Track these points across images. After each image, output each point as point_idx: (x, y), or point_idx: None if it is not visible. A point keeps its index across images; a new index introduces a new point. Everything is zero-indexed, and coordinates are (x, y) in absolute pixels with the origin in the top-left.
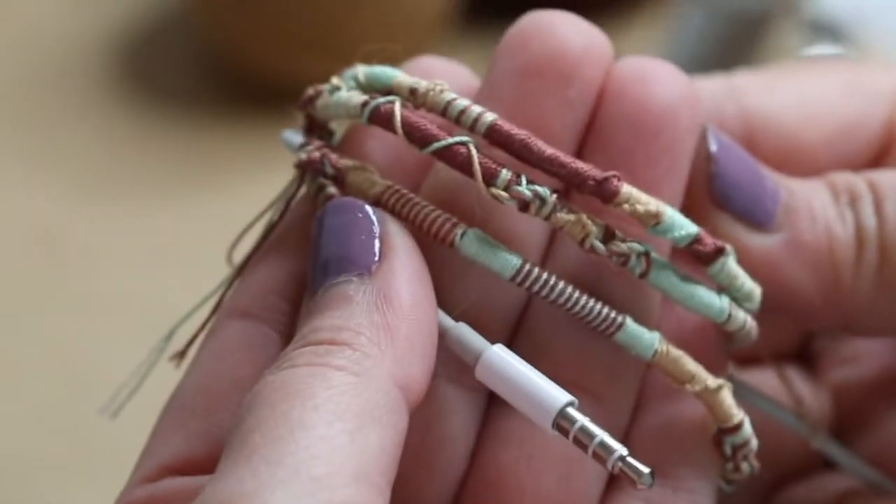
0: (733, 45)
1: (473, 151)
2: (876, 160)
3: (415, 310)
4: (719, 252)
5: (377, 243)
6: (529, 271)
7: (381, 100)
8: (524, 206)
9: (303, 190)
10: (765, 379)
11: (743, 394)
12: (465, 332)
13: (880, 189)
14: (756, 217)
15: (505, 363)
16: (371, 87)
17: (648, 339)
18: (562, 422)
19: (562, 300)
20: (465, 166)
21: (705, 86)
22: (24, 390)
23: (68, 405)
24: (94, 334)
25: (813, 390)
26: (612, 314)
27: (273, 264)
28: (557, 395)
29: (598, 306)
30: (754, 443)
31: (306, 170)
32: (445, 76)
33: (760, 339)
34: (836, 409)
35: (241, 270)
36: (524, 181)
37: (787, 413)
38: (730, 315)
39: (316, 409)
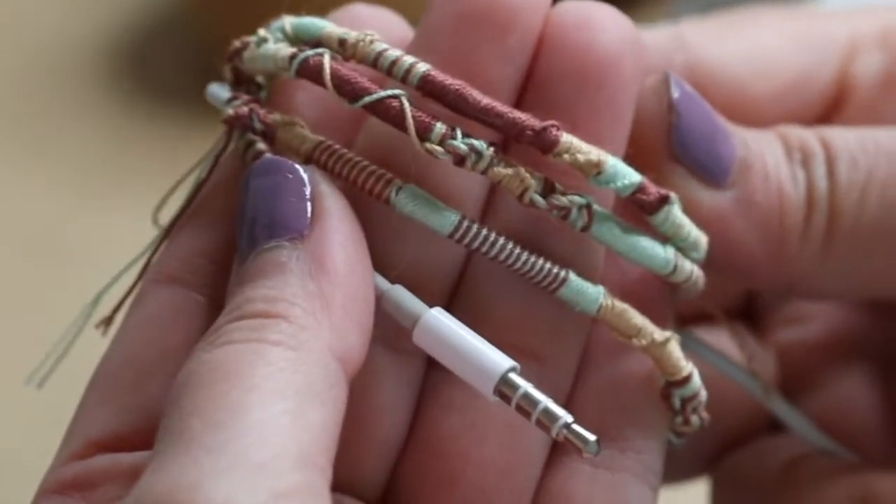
0: None
1: (406, 105)
2: (826, 114)
3: (350, 276)
4: (663, 201)
5: (308, 206)
6: (468, 227)
7: (310, 52)
8: (460, 160)
9: (231, 147)
10: (713, 338)
11: (698, 351)
12: (402, 295)
13: (833, 149)
14: (711, 173)
15: (444, 327)
16: (299, 39)
17: (593, 294)
18: (503, 388)
19: (502, 256)
20: (397, 120)
21: (652, 36)
22: (24, 390)
23: (68, 405)
24: (95, 334)
25: (758, 350)
26: (555, 269)
27: (201, 226)
28: (499, 361)
29: (541, 262)
30: (704, 394)
31: (234, 126)
32: (378, 24)
33: (706, 296)
34: (781, 370)
35: (168, 232)
36: (459, 134)
37: (742, 372)
38: (675, 266)
39: (255, 390)
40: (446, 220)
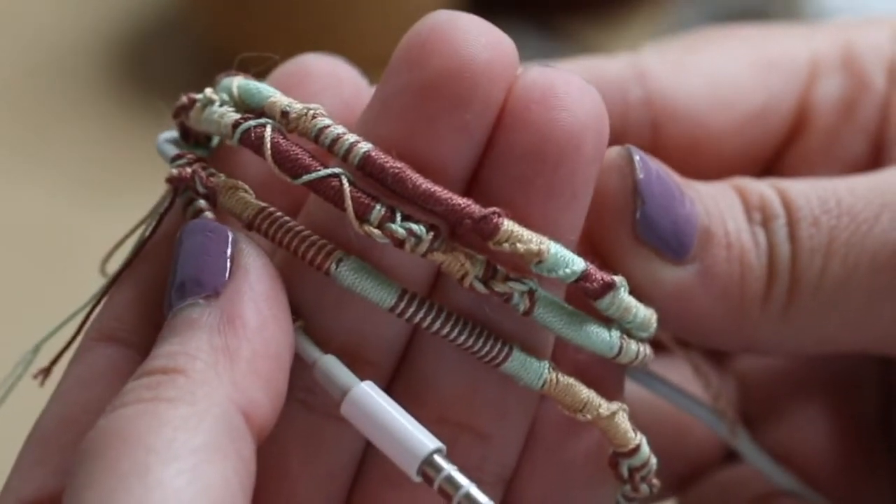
0: None
1: (346, 185)
2: (786, 141)
3: (260, 332)
4: (608, 287)
5: (228, 264)
6: (410, 302)
7: (252, 122)
8: (399, 243)
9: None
10: (672, 365)
11: (661, 391)
12: (333, 366)
13: (794, 208)
14: (674, 251)
15: (372, 402)
16: (244, 105)
17: (537, 369)
18: (427, 469)
19: (444, 331)
20: (337, 200)
21: (609, 67)
22: (23, 390)
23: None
24: None
25: (720, 379)
26: (498, 345)
27: (141, 284)
28: (424, 441)
29: (483, 338)
30: (653, 462)
31: (177, 186)
32: (328, 79)
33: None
34: (741, 398)
35: (109, 287)
36: (399, 217)
37: (708, 411)
38: (621, 348)
39: (149, 453)
40: (387, 293)
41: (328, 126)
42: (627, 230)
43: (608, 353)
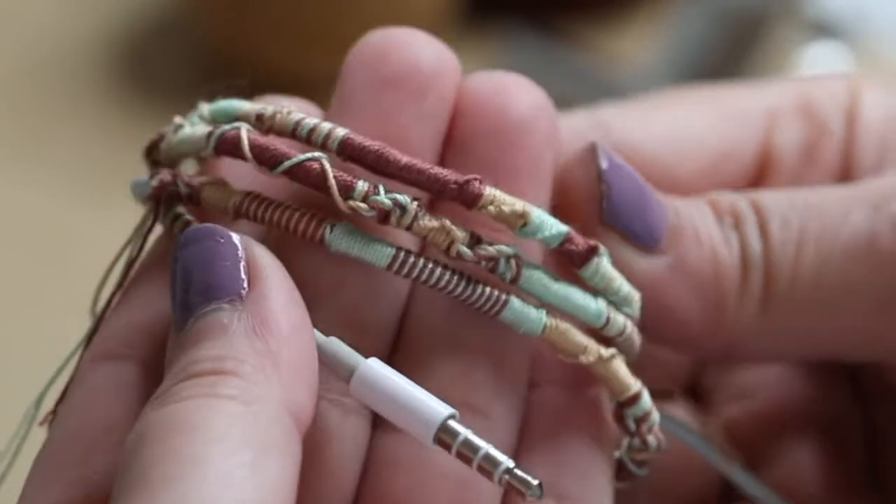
0: (733, 45)
1: (327, 165)
2: (753, 186)
3: (294, 335)
4: (592, 251)
5: (243, 268)
6: (406, 258)
7: (227, 127)
8: (384, 216)
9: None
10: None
11: (661, 423)
12: (338, 347)
13: (764, 211)
14: (644, 239)
15: (380, 377)
16: (217, 121)
17: (536, 315)
18: (443, 436)
19: (443, 283)
20: (319, 182)
21: (570, 122)
22: (25, 390)
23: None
24: None
25: (706, 426)
26: (496, 292)
27: (135, 303)
28: (437, 408)
29: (481, 286)
30: (656, 416)
31: (160, 195)
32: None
33: (651, 375)
34: (730, 446)
35: (101, 319)
36: (382, 191)
37: (703, 441)
38: (608, 319)
39: (212, 442)
40: (383, 252)
41: (303, 118)
42: (595, 216)
43: (595, 322)
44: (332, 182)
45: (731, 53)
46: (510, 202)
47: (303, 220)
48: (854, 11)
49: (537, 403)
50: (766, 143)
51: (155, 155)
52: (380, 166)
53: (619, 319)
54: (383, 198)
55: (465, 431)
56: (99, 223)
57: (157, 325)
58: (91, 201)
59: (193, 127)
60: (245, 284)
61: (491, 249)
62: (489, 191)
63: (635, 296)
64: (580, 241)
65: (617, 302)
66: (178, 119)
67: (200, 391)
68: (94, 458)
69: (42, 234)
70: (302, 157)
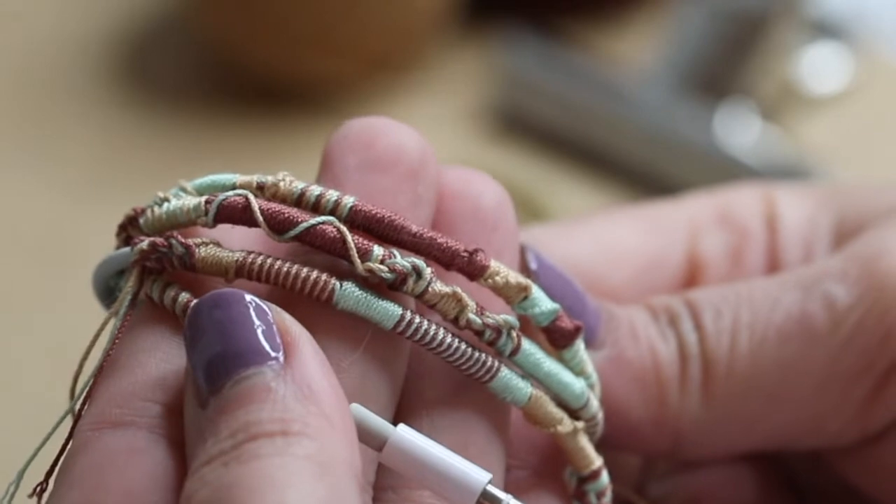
0: (733, 45)
1: (343, 228)
2: (685, 289)
3: (337, 399)
4: (578, 331)
5: (276, 332)
6: (411, 320)
7: (229, 193)
8: (402, 280)
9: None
10: None
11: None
12: (364, 414)
13: (696, 305)
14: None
15: (414, 445)
16: (204, 194)
17: (523, 385)
18: (485, 502)
19: (443, 348)
20: (334, 245)
21: None
22: (24, 390)
23: (68, 405)
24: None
25: None
26: (490, 360)
27: (128, 370)
28: (476, 474)
29: (477, 353)
30: (610, 493)
31: (150, 255)
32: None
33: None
34: None
35: (88, 394)
36: (398, 255)
37: None
38: (587, 400)
39: (306, 498)
40: (392, 312)
41: (308, 186)
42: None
43: (577, 401)
44: (352, 244)
45: (731, 53)
46: (514, 275)
47: (311, 275)
48: (854, 11)
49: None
50: (693, 251)
51: (130, 231)
52: (391, 233)
53: (594, 402)
54: (403, 261)
55: (506, 497)
56: (98, 221)
57: (157, 391)
58: (92, 200)
59: (181, 200)
60: (281, 349)
61: (499, 319)
62: (494, 262)
63: (599, 384)
64: (567, 321)
65: (592, 386)
66: (160, 194)
67: (274, 450)
68: None
69: (42, 232)
70: (315, 220)
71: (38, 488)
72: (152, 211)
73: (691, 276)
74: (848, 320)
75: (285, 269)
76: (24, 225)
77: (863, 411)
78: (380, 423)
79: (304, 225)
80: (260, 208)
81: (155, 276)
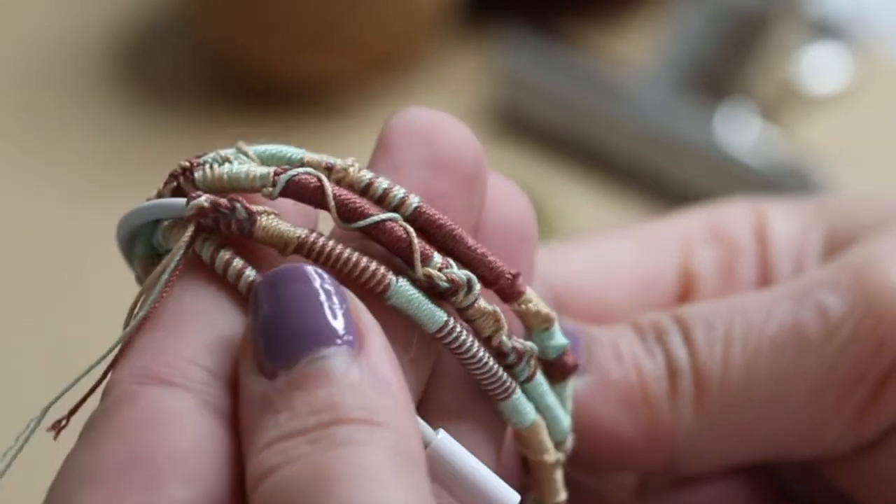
0: (733, 45)
1: (411, 230)
2: (679, 305)
3: (407, 394)
4: (575, 367)
5: (351, 316)
6: (453, 328)
7: (300, 170)
8: (453, 292)
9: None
10: None
11: None
12: None
13: (686, 321)
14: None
15: (453, 454)
16: (268, 164)
17: (530, 409)
18: None
19: (474, 360)
20: (398, 244)
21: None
22: (24, 390)
23: (68, 405)
24: (94, 333)
25: None
26: (509, 381)
27: (175, 331)
28: (507, 494)
29: (501, 370)
30: None
31: (206, 215)
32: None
33: None
34: None
35: (128, 337)
36: (454, 265)
37: None
38: (568, 437)
39: (383, 487)
40: (438, 316)
41: (375, 177)
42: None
43: (564, 436)
44: (417, 247)
45: (731, 53)
46: (543, 304)
47: (370, 266)
48: (854, 11)
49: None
50: (686, 266)
51: (183, 184)
52: (448, 242)
53: (570, 441)
54: (459, 272)
55: None
56: (99, 223)
57: (204, 356)
58: (91, 199)
59: (244, 164)
60: (355, 335)
61: (526, 345)
62: (529, 290)
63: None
64: (571, 358)
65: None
66: (222, 152)
67: (363, 438)
68: (163, 487)
69: (43, 232)
70: (384, 216)
71: (60, 423)
72: (211, 168)
73: (685, 291)
74: (841, 329)
75: (346, 254)
76: (23, 224)
77: (858, 419)
78: (423, 426)
79: (374, 219)
80: (334, 193)
81: (206, 235)
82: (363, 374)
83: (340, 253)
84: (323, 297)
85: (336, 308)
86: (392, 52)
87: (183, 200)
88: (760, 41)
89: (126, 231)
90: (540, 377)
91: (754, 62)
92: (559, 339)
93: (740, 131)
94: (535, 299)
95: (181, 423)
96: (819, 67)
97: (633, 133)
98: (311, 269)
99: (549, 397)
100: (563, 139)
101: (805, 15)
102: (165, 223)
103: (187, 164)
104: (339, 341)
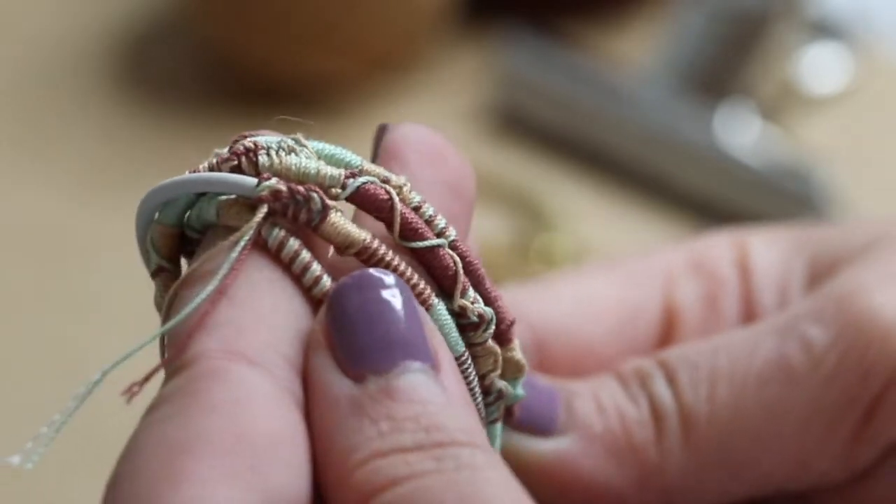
0: (733, 45)
1: (458, 260)
2: (663, 341)
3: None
4: (513, 420)
5: (428, 335)
6: (466, 359)
7: (370, 178)
8: (475, 326)
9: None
10: None
11: None
12: None
13: (669, 363)
14: (538, 424)
15: None
16: (327, 162)
17: (501, 440)
18: None
19: (477, 390)
20: (444, 271)
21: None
22: (24, 390)
23: (72, 401)
24: (94, 334)
25: None
26: (493, 413)
27: (258, 314)
28: None
29: (483, 409)
30: None
31: (279, 199)
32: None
33: None
34: None
35: (198, 306)
36: (481, 302)
37: None
38: None
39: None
40: (459, 346)
41: (423, 201)
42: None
43: None
44: (462, 279)
45: (731, 53)
46: (521, 355)
47: (419, 284)
48: (854, 11)
49: None
50: (668, 300)
51: (244, 164)
52: (472, 279)
53: None
54: (486, 309)
55: None
56: (99, 223)
57: (283, 344)
58: (91, 199)
59: (309, 159)
60: (433, 354)
61: (509, 390)
62: (516, 340)
63: None
64: (518, 410)
65: None
66: (288, 141)
67: (482, 463)
68: (267, 471)
69: (40, 232)
70: (437, 241)
71: (132, 388)
72: (278, 155)
73: (668, 326)
74: (826, 360)
75: (402, 267)
76: (23, 224)
77: (848, 449)
78: None
79: (431, 243)
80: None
81: (273, 219)
82: (450, 394)
83: (398, 265)
84: (414, 311)
85: (424, 324)
86: (392, 52)
87: (253, 180)
88: (760, 41)
89: (166, 196)
90: (502, 424)
91: (754, 62)
92: (520, 390)
93: (740, 131)
94: (518, 348)
95: (276, 406)
96: (819, 67)
97: (632, 133)
98: (400, 280)
99: (497, 443)
100: (563, 139)
101: (805, 15)
102: (221, 198)
103: (251, 144)
104: (425, 358)
